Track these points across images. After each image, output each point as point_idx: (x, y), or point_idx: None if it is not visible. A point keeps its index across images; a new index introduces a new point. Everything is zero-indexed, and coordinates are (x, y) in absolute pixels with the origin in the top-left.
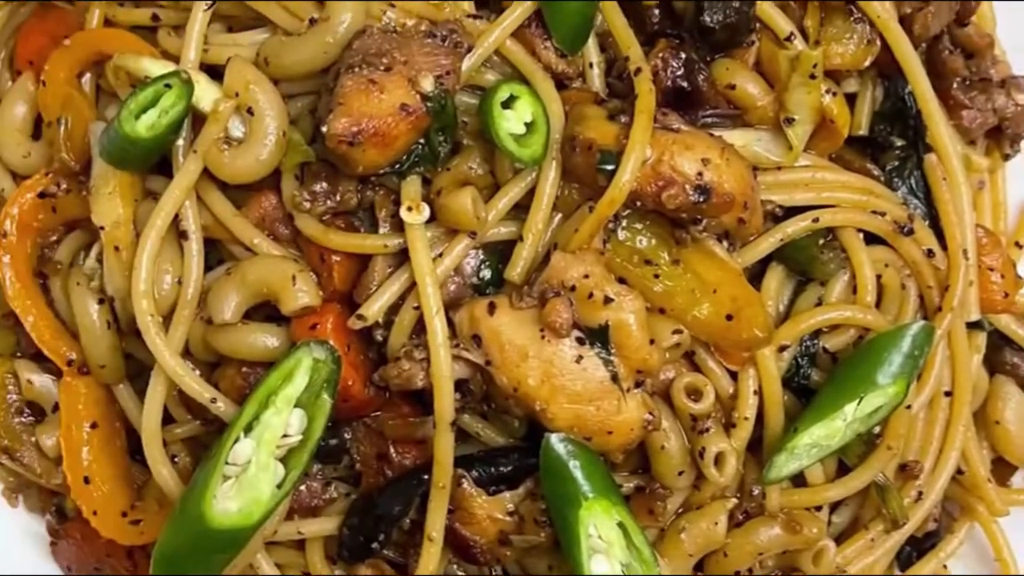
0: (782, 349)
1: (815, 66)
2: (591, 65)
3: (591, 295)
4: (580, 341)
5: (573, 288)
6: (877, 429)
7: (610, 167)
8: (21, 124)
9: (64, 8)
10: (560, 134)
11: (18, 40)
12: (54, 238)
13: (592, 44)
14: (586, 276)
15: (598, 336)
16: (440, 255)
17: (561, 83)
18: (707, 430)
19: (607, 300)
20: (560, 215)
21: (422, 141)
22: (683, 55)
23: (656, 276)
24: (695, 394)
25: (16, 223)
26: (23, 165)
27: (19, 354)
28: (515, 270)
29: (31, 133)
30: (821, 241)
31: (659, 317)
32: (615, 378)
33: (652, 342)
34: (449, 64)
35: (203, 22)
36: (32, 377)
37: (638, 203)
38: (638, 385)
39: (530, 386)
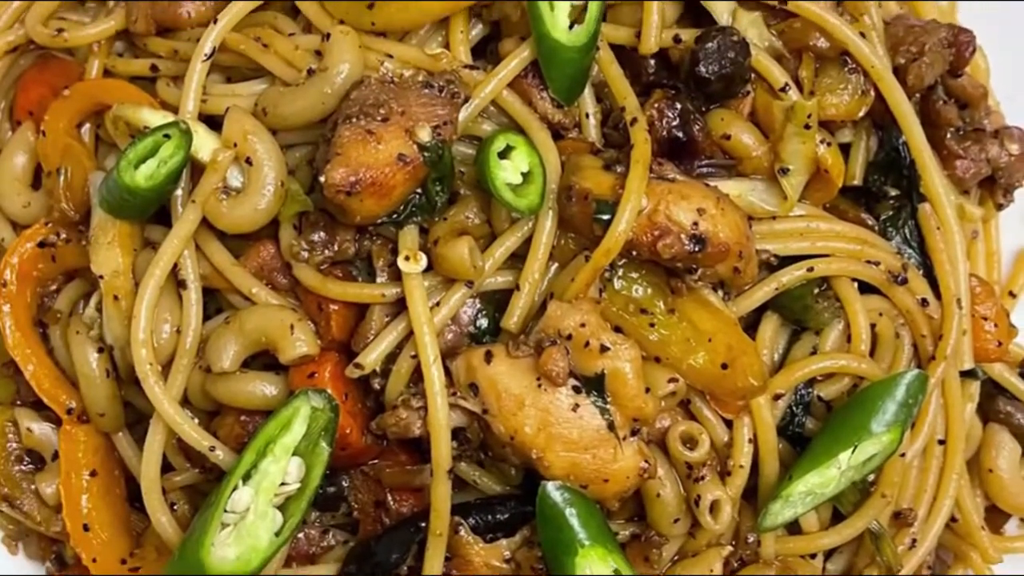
0: (777, 397)
1: (810, 116)
2: (587, 115)
3: (587, 344)
4: (576, 390)
5: (569, 337)
6: (871, 477)
7: (606, 217)
8: (21, 174)
9: (64, 59)
10: (556, 184)
11: (18, 90)
12: (54, 287)
13: (588, 94)
14: (582, 325)
15: (594, 385)
16: (437, 304)
17: (557, 133)
18: (702, 478)
19: (603, 349)
20: (556, 264)
21: (419, 191)
22: (679, 105)
23: (652, 325)
24: (690, 442)
25: (16, 272)
26: (23, 215)
27: (19, 402)
28: (512, 319)
29: (31, 183)
30: (816, 290)
31: (655, 366)
32: (611, 426)
33: (648, 391)
34: (446, 114)
35: (202, 73)
36: (32, 425)
37: (634, 252)
38: (634, 433)
39: (527, 434)
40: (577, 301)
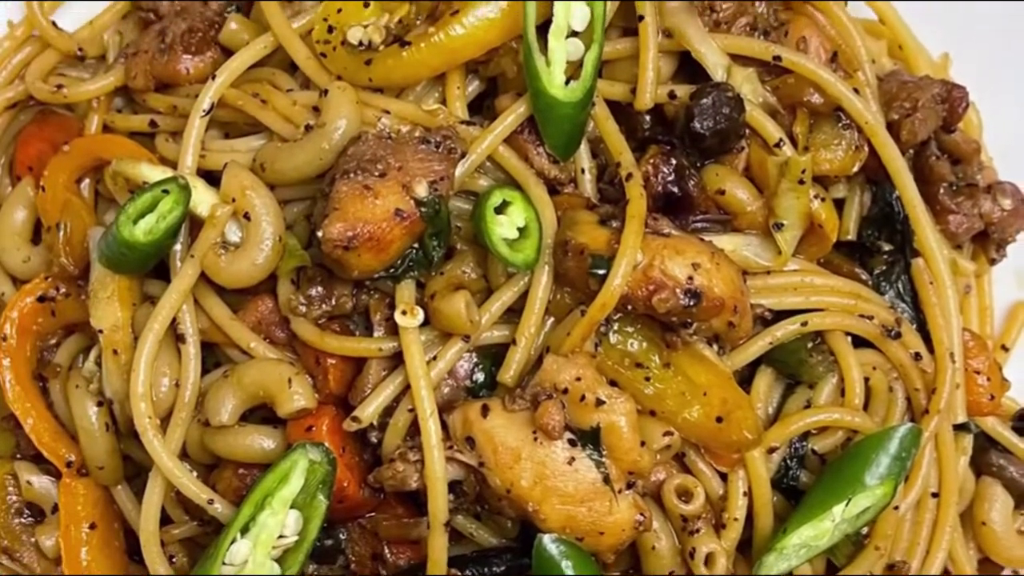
0: (771, 451)
1: (804, 172)
2: (583, 171)
3: (583, 398)
4: (572, 443)
5: (565, 391)
6: (865, 529)
7: (602, 271)
8: (21, 229)
9: (63, 115)
10: (552, 239)
11: (18, 146)
12: (53, 341)
13: (584, 150)
14: (578, 379)
15: (590, 438)
16: (434, 358)
17: (553, 188)
18: (697, 530)
19: (599, 403)
20: (552, 319)
21: (416, 246)
22: (674, 161)
23: (647, 379)
24: (685, 495)
25: (16, 327)
26: (23, 269)
27: (19, 455)
28: (508, 373)
29: (30, 238)
30: (810, 344)
31: (650, 419)
32: (606, 479)
33: (643, 444)
34: (443, 170)
35: (200, 128)
36: (31, 478)
37: (629, 307)
38: (629, 486)
39: (523, 487)
40: (573, 355)
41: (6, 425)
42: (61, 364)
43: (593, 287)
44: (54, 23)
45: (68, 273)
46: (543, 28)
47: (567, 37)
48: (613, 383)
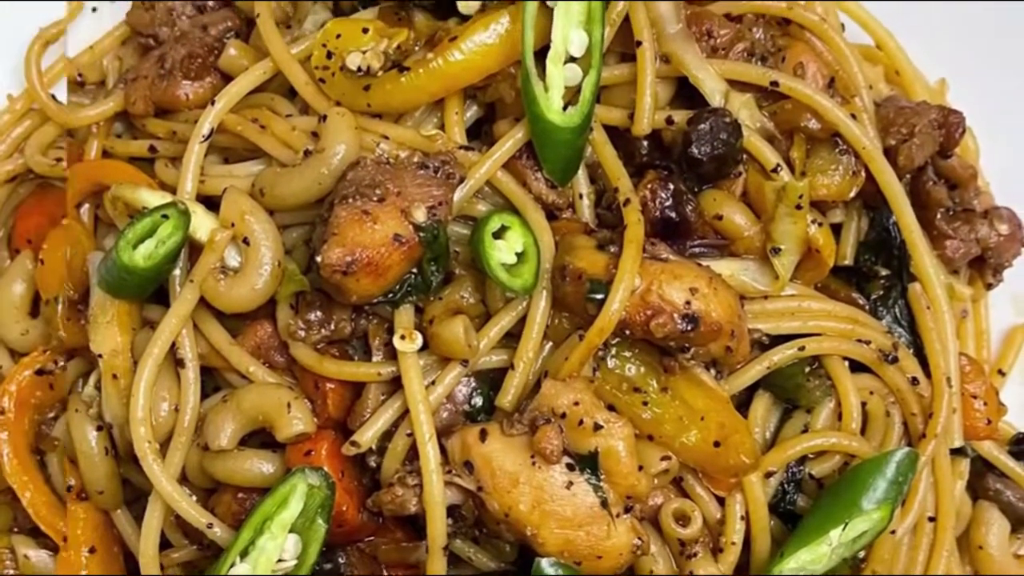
0: (769, 475)
1: (801, 197)
2: (581, 196)
3: (581, 422)
4: (570, 467)
5: (563, 415)
6: (862, 554)
7: (600, 296)
8: (19, 302)
9: (62, 189)
10: (550, 264)
11: (17, 219)
12: (51, 414)
13: (582, 175)
14: (576, 404)
15: (588, 462)
16: (433, 383)
17: (552, 214)
18: (695, 555)
19: (597, 427)
20: (550, 343)
21: (415, 271)
22: (671, 186)
23: (645, 403)
24: (683, 519)
25: (14, 400)
26: (21, 342)
27: (16, 529)
28: (506, 397)
29: (29, 311)
30: (807, 369)
31: (648, 444)
32: (604, 504)
33: (641, 468)
34: (441, 195)
35: (199, 154)
36: (29, 552)
37: (627, 332)
38: (627, 510)
39: (521, 511)
40: (571, 380)
41: (4, 499)
42: (59, 438)
43: (591, 312)
44: (53, 96)
45: (66, 347)
46: (541, 54)
47: (565, 63)
48: (611, 408)
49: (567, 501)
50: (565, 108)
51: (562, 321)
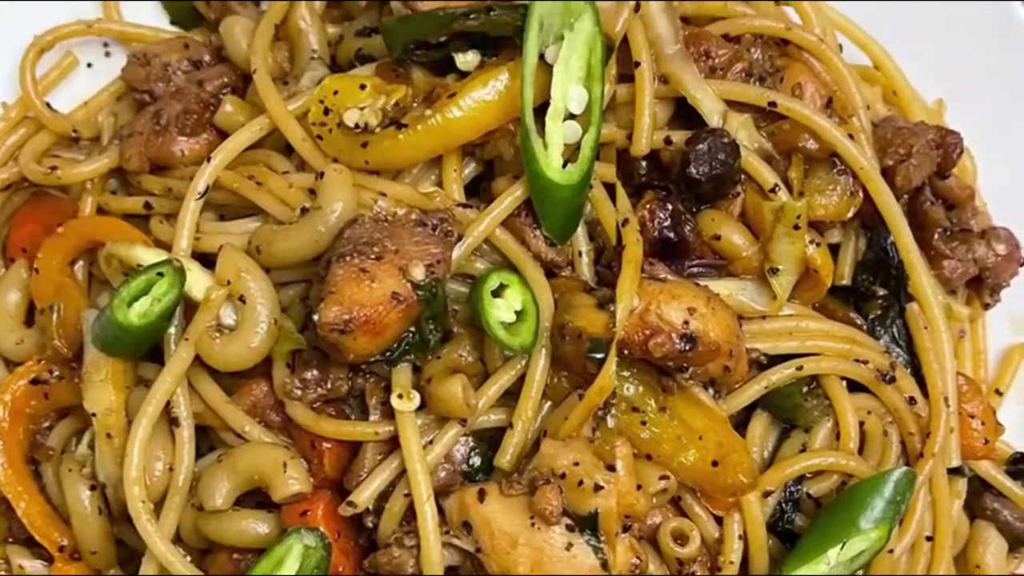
0: (767, 494)
1: (799, 217)
2: (580, 254)
3: (581, 483)
4: (570, 528)
5: (563, 476)
6: (860, 573)
7: (599, 355)
8: (14, 311)
9: (57, 197)
10: (550, 322)
11: (11, 228)
12: (47, 424)
13: (581, 233)
14: (576, 464)
15: (588, 523)
16: (431, 442)
17: (551, 271)
18: (693, 574)
19: (597, 488)
20: (550, 402)
21: (413, 329)
22: (670, 206)
23: (643, 423)
24: (681, 539)
25: (9, 409)
26: (16, 352)
27: (11, 539)
28: (505, 457)
29: (24, 320)
30: (805, 389)
31: (646, 463)
32: (605, 565)
33: (639, 487)
34: (439, 253)
35: (195, 211)
36: (24, 563)
37: (626, 351)
38: (625, 530)
39: (520, 573)
40: (570, 440)
41: None
42: (54, 447)
43: (591, 371)
44: (48, 104)
45: (61, 356)
46: (540, 111)
47: (565, 120)
48: (611, 468)
49: (567, 563)
50: (564, 165)
51: (561, 380)
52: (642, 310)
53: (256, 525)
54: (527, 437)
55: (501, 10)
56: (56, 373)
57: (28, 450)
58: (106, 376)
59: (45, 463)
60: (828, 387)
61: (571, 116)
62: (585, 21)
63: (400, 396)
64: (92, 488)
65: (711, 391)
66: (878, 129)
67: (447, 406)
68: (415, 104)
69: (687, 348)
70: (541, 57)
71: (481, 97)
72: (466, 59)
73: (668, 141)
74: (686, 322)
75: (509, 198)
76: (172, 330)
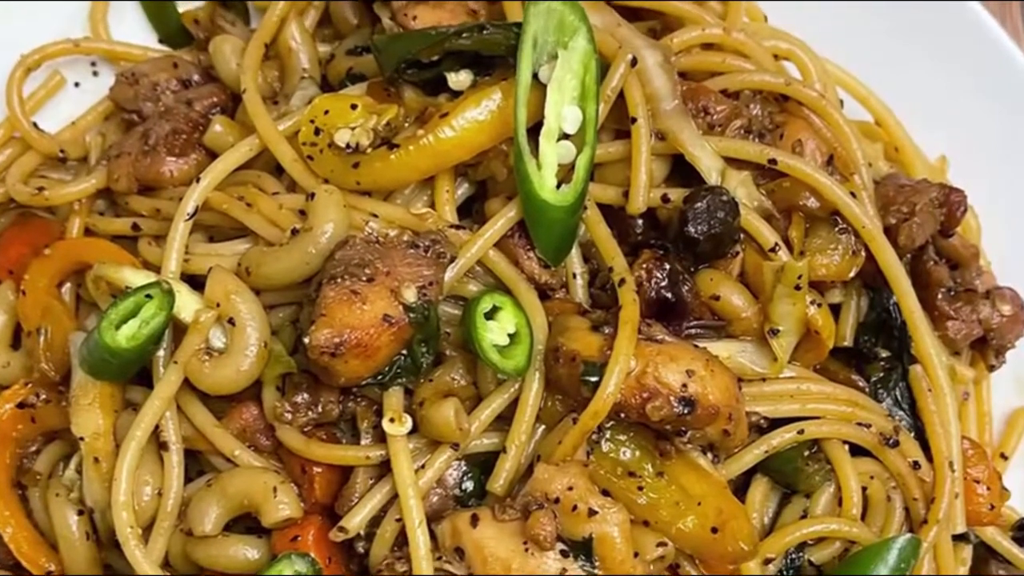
0: (767, 562)
1: (800, 277)
2: (574, 276)
3: (575, 507)
4: (564, 554)
5: (557, 500)
6: None
7: (594, 379)
8: (0, 334)
9: (44, 218)
10: (543, 345)
11: None
12: (33, 448)
13: (575, 255)
14: (570, 488)
15: (582, 549)
16: (423, 466)
17: (544, 294)
18: None
19: (591, 513)
20: (543, 426)
21: (405, 352)
22: (667, 266)
23: (640, 488)
24: None
25: None
26: (2, 375)
27: None
28: (498, 482)
29: (10, 343)
30: (806, 453)
31: (643, 529)
32: None
33: (636, 555)
34: (432, 275)
35: (184, 232)
36: None
37: (622, 414)
38: None
39: None
40: (564, 464)
41: None
42: (41, 472)
43: (585, 395)
44: (35, 124)
45: (49, 379)
46: (534, 131)
47: (558, 140)
48: (605, 492)
49: None
50: (558, 186)
51: (555, 404)
52: (639, 372)
53: (246, 551)
54: (520, 461)
55: (494, 29)
56: (43, 396)
57: (15, 475)
58: (94, 400)
59: (32, 488)
60: (830, 451)
61: (565, 136)
62: (579, 39)
63: (392, 420)
64: (80, 513)
65: (710, 455)
66: (880, 187)
67: (439, 430)
68: (407, 124)
69: (685, 411)
70: (535, 76)
71: (474, 117)
72: (459, 78)
73: (665, 199)
74: (684, 385)
75: (502, 219)
76: (161, 353)
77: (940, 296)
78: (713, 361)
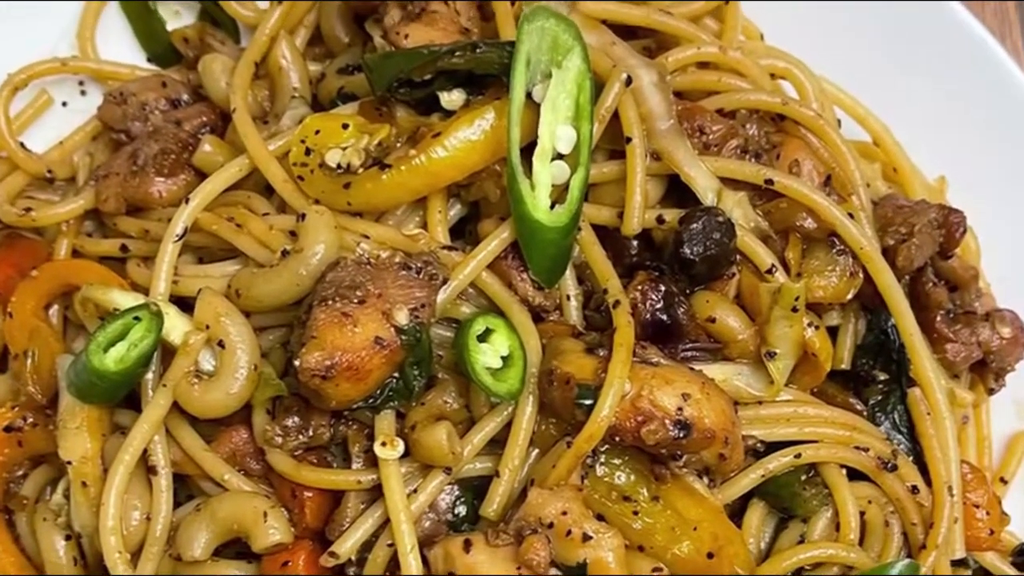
0: None
1: (797, 299)
2: (568, 297)
3: (569, 532)
4: None
5: (551, 525)
6: None
7: (588, 402)
8: None
9: (32, 239)
10: (537, 368)
11: None
12: (20, 472)
13: (570, 276)
14: (564, 513)
15: (576, 574)
16: (415, 491)
17: (538, 316)
18: None
19: (585, 538)
20: (537, 450)
21: (396, 375)
22: (662, 288)
23: (635, 513)
24: None
25: None
26: None
27: None
28: (491, 507)
29: None
30: (803, 477)
31: (638, 555)
32: None
33: None
34: (424, 296)
35: (173, 253)
36: None
37: (617, 438)
38: None
39: None
40: (558, 488)
41: None
42: (28, 496)
43: (579, 418)
44: (22, 144)
45: (36, 402)
46: (527, 150)
47: (552, 160)
48: (600, 517)
49: None
50: (552, 207)
51: (549, 427)
52: (634, 396)
53: None
54: (514, 486)
55: (487, 47)
56: (30, 420)
57: (1, 499)
58: (81, 423)
59: (19, 512)
60: (827, 475)
61: (559, 156)
62: (574, 58)
63: (383, 443)
64: (67, 538)
65: (706, 480)
66: (878, 207)
67: (432, 454)
68: (399, 144)
69: (681, 435)
70: (528, 95)
71: (466, 137)
72: (451, 98)
73: (660, 220)
74: (680, 408)
75: (495, 240)
76: (149, 376)
77: (939, 318)
78: (709, 384)
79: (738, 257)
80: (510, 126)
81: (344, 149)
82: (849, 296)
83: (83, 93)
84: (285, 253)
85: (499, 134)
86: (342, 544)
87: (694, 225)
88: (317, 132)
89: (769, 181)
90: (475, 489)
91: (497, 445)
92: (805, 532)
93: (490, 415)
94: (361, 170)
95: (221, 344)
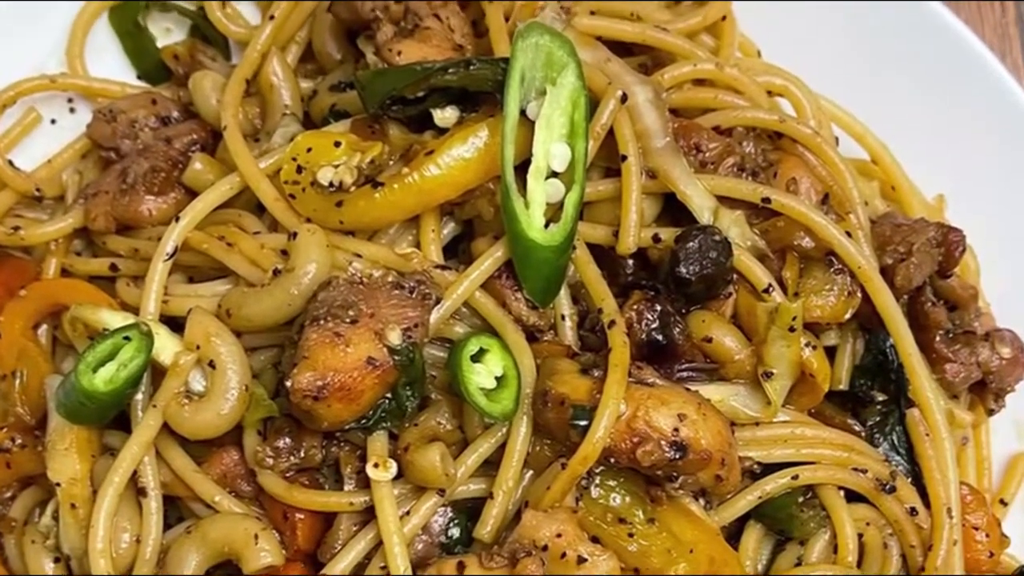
0: None
1: (794, 319)
2: (563, 317)
3: (564, 555)
4: None
5: (545, 548)
6: None
7: (583, 423)
8: None
9: (20, 258)
10: (531, 388)
11: None
12: (9, 494)
13: (564, 295)
14: (559, 535)
15: None
16: (408, 513)
17: (532, 335)
18: None
19: (580, 560)
20: (531, 472)
21: (389, 395)
22: (658, 307)
23: (631, 535)
24: None
25: None
26: None
27: None
28: (485, 528)
29: None
30: (801, 499)
31: None
32: None
33: None
34: (417, 316)
35: (163, 273)
36: None
37: (612, 460)
38: None
39: None
40: (553, 510)
41: None
42: (17, 518)
43: (574, 439)
44: (11, 162)
45: (24, 423)
46: (522, 168)
47: (547, 178)
48: (595, 539)
49: None
50: (547, 225)
51: (544, 448)
52: (629, 416)
53: None
54: (508, 508)
55: (481, 64)
56: (19, 441)
57: None
58: (70, 444)
59: (7, 534)
60: (825, 497)
61: (554, 174)
62: (568, 75)
63: (376, 465)
64: (56, 560)
65: (702, 501)
66: (876, 226)
67: (425, 475)
68: (391, 162)
69: (677, 456)
70: (522, 113)
71: (460, 155)
72: (444, 115)
73: (656, 239)
74: (676, 429)
75: (489, 259)
76: (139, 396)
77: (938, 338)
78: (705, 405)
79: (735, 276)
80: (504, 144)
81: (336, 167)
82: (847, 316)
83: (72, 111)
84: (276, 272)
85: (493, 152)
86: (334, 566)
87: (690, 244)
88: (309, 150)
89: (766, 199)
90: (469, 511)
91: (491, 466)
92: (802, 554)
93: (484, 436)
94: (353, 188)
95: (212, 364)
